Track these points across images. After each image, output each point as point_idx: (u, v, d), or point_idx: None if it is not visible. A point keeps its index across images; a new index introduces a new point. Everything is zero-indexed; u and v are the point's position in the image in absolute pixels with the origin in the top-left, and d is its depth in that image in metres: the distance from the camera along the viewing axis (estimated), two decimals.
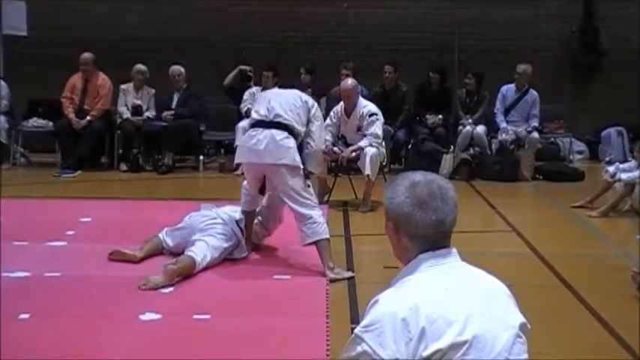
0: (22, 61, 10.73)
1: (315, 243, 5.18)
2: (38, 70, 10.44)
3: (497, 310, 1.94)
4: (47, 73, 10.19)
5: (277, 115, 5.28)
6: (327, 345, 3.83)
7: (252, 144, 5.28)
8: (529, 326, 2.00)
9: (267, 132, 5.25)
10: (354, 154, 7.55)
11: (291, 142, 5.24)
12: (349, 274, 5.16)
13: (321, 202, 7.63)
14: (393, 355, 1.83)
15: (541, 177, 9.64)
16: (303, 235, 5.18)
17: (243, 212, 5.55)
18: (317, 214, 5.22)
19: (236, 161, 5.92)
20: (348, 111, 7.68)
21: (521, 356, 1.93)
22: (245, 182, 5.52)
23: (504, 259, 5.67)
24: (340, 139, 7.81)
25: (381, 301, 1.91)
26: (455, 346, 1.83)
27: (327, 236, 5.20)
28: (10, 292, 4.68)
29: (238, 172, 9.61)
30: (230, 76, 10.17)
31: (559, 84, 10.83)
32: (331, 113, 7.92)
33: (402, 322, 1.84)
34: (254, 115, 5.45)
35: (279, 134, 5.23)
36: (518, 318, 1.98)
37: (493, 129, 10.06)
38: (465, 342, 1.84)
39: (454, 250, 2.02)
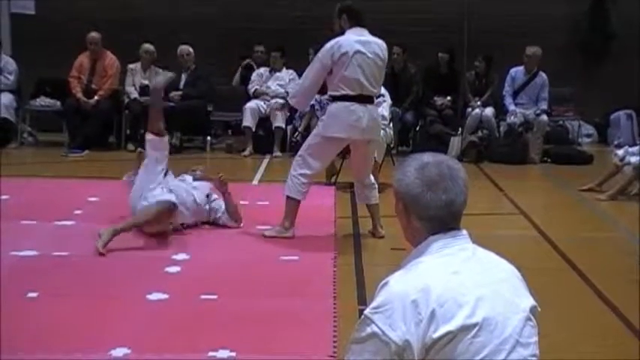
0: (30, 40, 10.71)
1: (372, 206, 5.76)
2: (46, 49, 10.42)
3: (508, 293, 1.93)
4: (55, 52, 10.16)
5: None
6: (335, 326, 3.83)
7: (353, 119, 5.37)
8: (539, 309, 1.99)
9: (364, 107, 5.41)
10: None
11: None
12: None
13: (328, 184, 7.68)
14: (403, 336, 1.82)
15: (549, 160, 9.63)
16: (363, 197, 5.77)
17: (296, 202, 5.55)
18: (374, 180, 5.80)
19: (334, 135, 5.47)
20: None
21: (531, 339, 1.92)
22: (302, 170, 5.50)
23: (512, 242, 5.67)
24: None
25: (391, 283, 1.91)
26: (465, 328, 1.82)
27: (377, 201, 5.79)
28: (18, 270, 4.70)
29: (246, 152, 9.64)
30: (236, 76, 10.18)
31: (568, 66, 10.76)
32: None
33: (412, 303, 1.83)
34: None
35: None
36: (529, 301, 1.98)
37: (502, 111, 10.02)
38: (475, 324, 1.83)
39: (464, 231, 2.01)
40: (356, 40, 5.38)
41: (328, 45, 5.39)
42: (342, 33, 5.45)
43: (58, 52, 10.04)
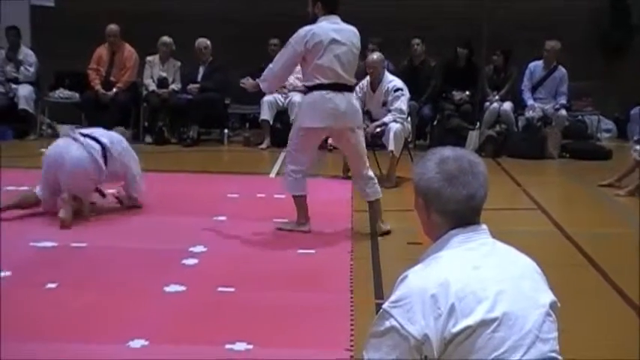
0: (49, 33, 10.76)
1: (373, 203, 5.62)
2: (65, 42, 10.46)
3: (528, 288, 1.93)
4: (74, 44, 10.20)
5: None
6: (351, 320, 3.83)
7: (330, 107, 5.27)
8: (559, 305, 1.98)
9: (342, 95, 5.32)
10: (378, 129, 7.51)
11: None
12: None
13: (345, 178, 7.67)
14: (422, 330, 1.82)
15: (568, 155, 9.56)
16: (365, 194, 5.61)
17: (301, 197, 5.54)
18: (373, 174, 5.64)
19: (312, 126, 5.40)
20: (374, 85, 7.64)
21: (551, 334, 1.91)
22: (293, 166, 5.46)
23: (530, 237, 5.63)
24: (365, 114, 7.76)
25: (410, 277, 1.90)
26: (484, 323, 1.82)
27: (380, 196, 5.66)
28: (38, 261, 4.73)
29: (263, 145, 9.64)
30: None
31: (588, 61, 10.67)
32: (357, 88, 7.83)
33: (432, 298, 1.83)
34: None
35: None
36: (549, 296, 1.97)
37: (520, 106, 9.97)
38: (494, 319, 1.82)
39: (484, 226, 2.01)
40: (331, 28, 5.26)
41: (302, 32, 5.26)
42: (315, 20, 5.33)
43: (77, 45, 10.08)
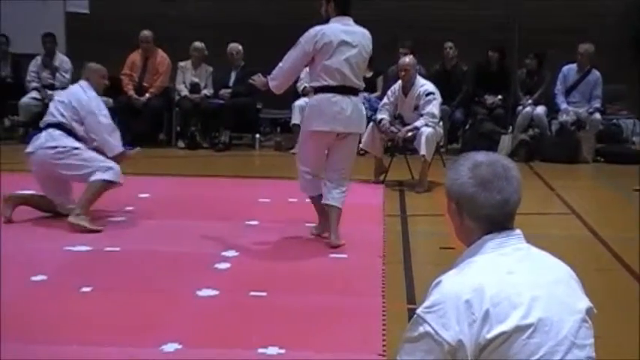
0: (83, 39, 10.89)
1: (333, 208, 5.32)
2: (99, 47, 10.55)
3: (564, 294, 1.91)
4: (107, 50, 10.29)
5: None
6: (383, 325, 3.82)
7: (336, 111, 5.20)
8: (595, 311, 1.97)
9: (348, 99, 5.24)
10: (409, 133, 7.49)
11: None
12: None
13: (377, 182, 7.67)
14: (456, 336, 1.81)
15: (602, 159, 9.47)
16: (330, 197, 5.32)
17: (315, 197, 5.49)
18: (348, 184, 5.44)
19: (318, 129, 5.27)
20: (406, 89, 7.62)
21: (587, 340, 1.89)
22: (304, 168, 5.42)
23: (563, 242, 5.58)
24: (397, 119, 7.76)
25: (444, 282, 1.90)
26: (519, 329, 1.80)
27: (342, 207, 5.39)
28: (72, 265, 4.79)
29: (294, 150, 9.65)
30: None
31: (622, 64, 10.54)
32: (388, 92, 7.87)
33: (466, 303, 1.82)
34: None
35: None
36: (585, 302, 1.95)
37: (553, 110, 9.88)
38: (530, 325, 1.81)
39: (518, 231, 1.99)
40: (341, 29, 5.17)
41: (312, 31, 5.17)
42: (327, 20, 5.25)
43: (110, 50, 10.17)
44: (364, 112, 5.49)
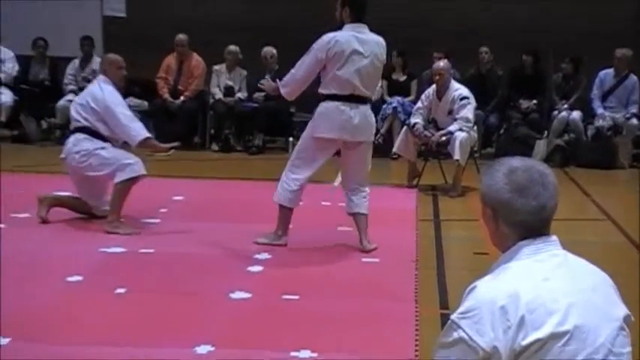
0: (120, 42, 10.99)
1: (359, 215, 5.32)
2: (135, 51, 10.65)
3: (601, 301, 1.89)
4: (143, 53, 10.39)
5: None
6: (416, 329, 3.81)
7: (344, 119, 5.17)
8: (633, 318, 1.94)
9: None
10: (443, 138, 7.46)
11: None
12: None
13: (410, 186, 7.64)
14: (491, 342, 1.80)
15: (639, 165, 9.34)
16: (353, 205, 5.33)
17: (288, 209, 5.37)
18: (368, 189, 5.39)
19: (324, 136, 5.24)
20: (440, 94, 7.59)
21: (624, 349, 1.87)
22: (295, 175, 5.30)
23: (598, 248, 5.53)
24: (431, 123, 7.73)
25: (479, 288, 1.88)
26: (555, 336, 1.79)
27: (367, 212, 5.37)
28: (107, 266, 4.84)
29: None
30: None
31: None
32: (422, 96, 7.85)
33: (501, 309, 1.81)
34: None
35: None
36: (622, 310, 1.93)
37: (589, 115, 9.78)
38: (566, 332, 1.79)
39: (555, 237, 1.97)
40: (355, 37, 5.09)
41: (326, 38, 5.09)
42: (341, 26, 5.19)
43: (146, 54, 10.27)
44: (373, 121, 5.44)
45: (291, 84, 5.28)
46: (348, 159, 5.36)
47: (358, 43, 5.11)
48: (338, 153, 5.49)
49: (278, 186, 5.36)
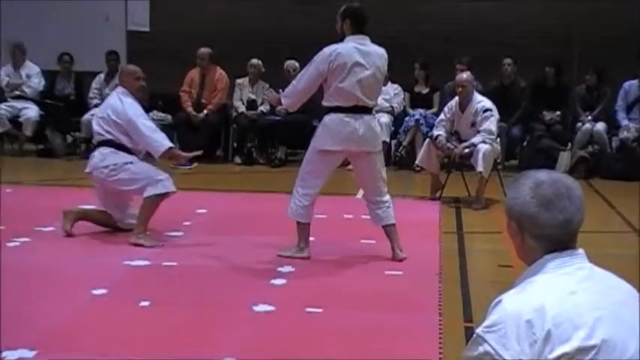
0: (144, 56, 11.09)
1: (389, 227, 5.34)
2: (159, 65, 10.75)
3: (628, 315, 1.88)
4: (167, 67, 10.49)
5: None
6: (440, 342, 3.80)
7: (348, 131, 5.17)
8: None
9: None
10: (466, 150, 7.44)
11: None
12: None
13: (433, 199, 7.62)
14: (517, 356, 1.79)
15: None
16: (379, 218, 5.35)
17: (304, 223, 5.37)
18: (389, 198, 5.38)
19: (329, 148, 5.26)
20: (463, 106, 7.58)
21: None
22: (304, 190, 5.31)
23: (624, 261, 5.46)
24: (454, 135, 7.71)
25: (504, 302, 1.88)
26: (582, 350, 1.78)
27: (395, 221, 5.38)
28: (131, 279, 4.87)
29: (350, 167, 9.65)
30: None
31: None
32: (445, 108, 7.84)
33: (527, 323, 1.80)
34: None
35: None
36: None
37: (614, 126, 9.71)
38: (593, 346, 1.79)
39: (581, 250, 1.96)
40: (357, 49, 5.11)
41: (327, 51, 5.12)
42: (342, 38, 5.21)
43: (170, 68, 10.37)
44: (378, 130, 5.48)
45: (292, 96, 5.31)
46: (359, 170, 5.42)
47: (360, 55, 5.13)
48: (344, 164, 5.49)
49: (290, 202, 5.38)
